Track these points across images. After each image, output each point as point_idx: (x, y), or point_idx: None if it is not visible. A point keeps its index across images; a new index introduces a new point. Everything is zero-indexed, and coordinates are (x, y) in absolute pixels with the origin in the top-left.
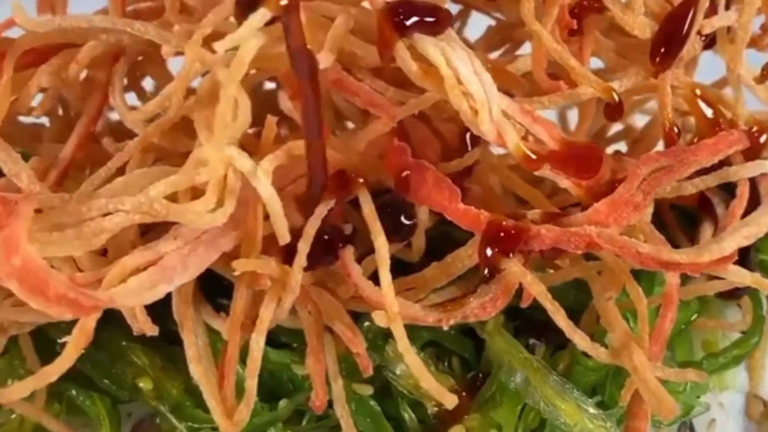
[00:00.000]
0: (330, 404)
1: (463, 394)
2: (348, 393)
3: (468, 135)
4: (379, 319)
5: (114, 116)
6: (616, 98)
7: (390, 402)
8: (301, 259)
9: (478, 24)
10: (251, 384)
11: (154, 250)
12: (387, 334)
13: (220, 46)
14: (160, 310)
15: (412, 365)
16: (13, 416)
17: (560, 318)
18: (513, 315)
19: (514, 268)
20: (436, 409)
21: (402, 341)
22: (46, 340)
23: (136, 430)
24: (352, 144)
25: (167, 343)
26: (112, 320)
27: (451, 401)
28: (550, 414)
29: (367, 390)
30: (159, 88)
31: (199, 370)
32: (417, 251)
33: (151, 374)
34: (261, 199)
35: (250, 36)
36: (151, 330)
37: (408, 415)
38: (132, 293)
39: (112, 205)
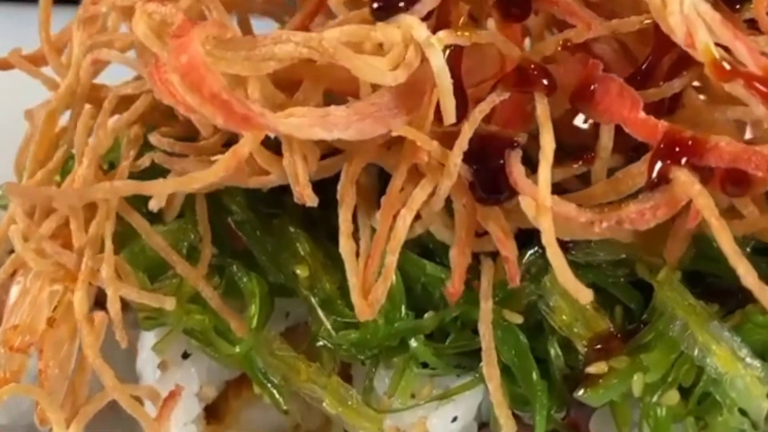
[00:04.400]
0: (476, 330)
1: (618, 337)
2: (496, 318)
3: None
4: (527, 205)
5: None
6: None
7: (539, 341)
8: (462, 141)
9: None
10: (391, 260)
11: (324, 110)
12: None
13: None
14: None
15: (553, 259)
16: (174, 280)
17: (725, 241)
18: (693, 281)
19: (683, 177)
20: (585, 348)
21: (548, 234)
22: (220, 209)
23: (289, 331)
24: (541, 48)
25: (332, 244)
26: (285, 210)
27: (585, 296)
28: (702, 360)
29: (517, 318)
30: None
31: (348, 245)
32: (596, 180)
33: (310, 263)
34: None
35: None
36: (311, 199)
37: (555, 351)
38: (288, 124)
39: (285, 36)
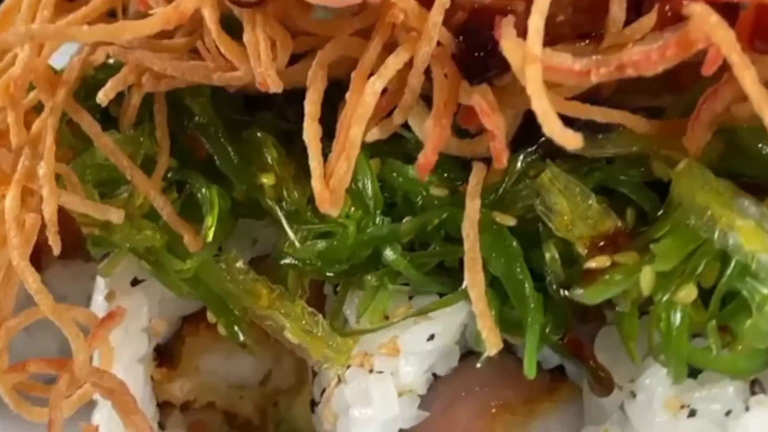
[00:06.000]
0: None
1: (626, 233)
2: (485, 221)
3: None
4: (511, 51)
5: None
6: None
7: (534, 254)
8: None
9: None
10: (356, 132)
11: None
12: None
13: None
14: None
15: (538, 106)
16: (126, 195)
17: (748, 81)
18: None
19: (698, 9)
20: (586, 250)
21: (534, 82)
22: (181, 118)
23: (257, 262)
24: None
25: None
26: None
27: (575, 141)
28: (723, 241)
29: (509, 220)
30: None
31: (312, 127)
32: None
33: (277, 171)
34: None
35: None
36: (275, 83)
37: (551, 254)
38: None
39: None
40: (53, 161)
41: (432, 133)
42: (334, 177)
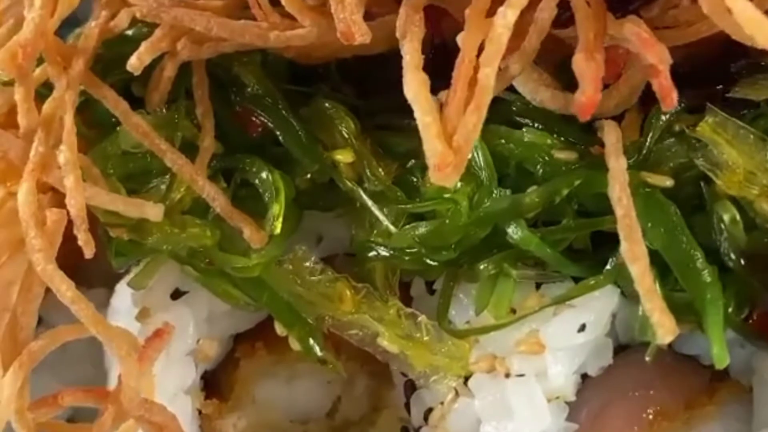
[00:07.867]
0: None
1: None
2: (634, 184)
3: None
4: None
5: None
6: None
7: (696, 221)
8: None
9: None
10: (487, 73)
11: None
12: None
13: None
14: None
15: (743, 13)
16: (162, 185)
17: None
18: None
19: None
20: None
21: None
22: (226, 92)
23: (327, 261)
24: None
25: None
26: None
27: None
28: None
29: (665, 181)
30: None
31: (417, 77)
32: None
33: (355, 146)
34: None
35: None
36: (361, 30)
37: (730, 215)
38: None
39: None
40: (75, 144)
41: (587, 69)
42: (459, 132)
